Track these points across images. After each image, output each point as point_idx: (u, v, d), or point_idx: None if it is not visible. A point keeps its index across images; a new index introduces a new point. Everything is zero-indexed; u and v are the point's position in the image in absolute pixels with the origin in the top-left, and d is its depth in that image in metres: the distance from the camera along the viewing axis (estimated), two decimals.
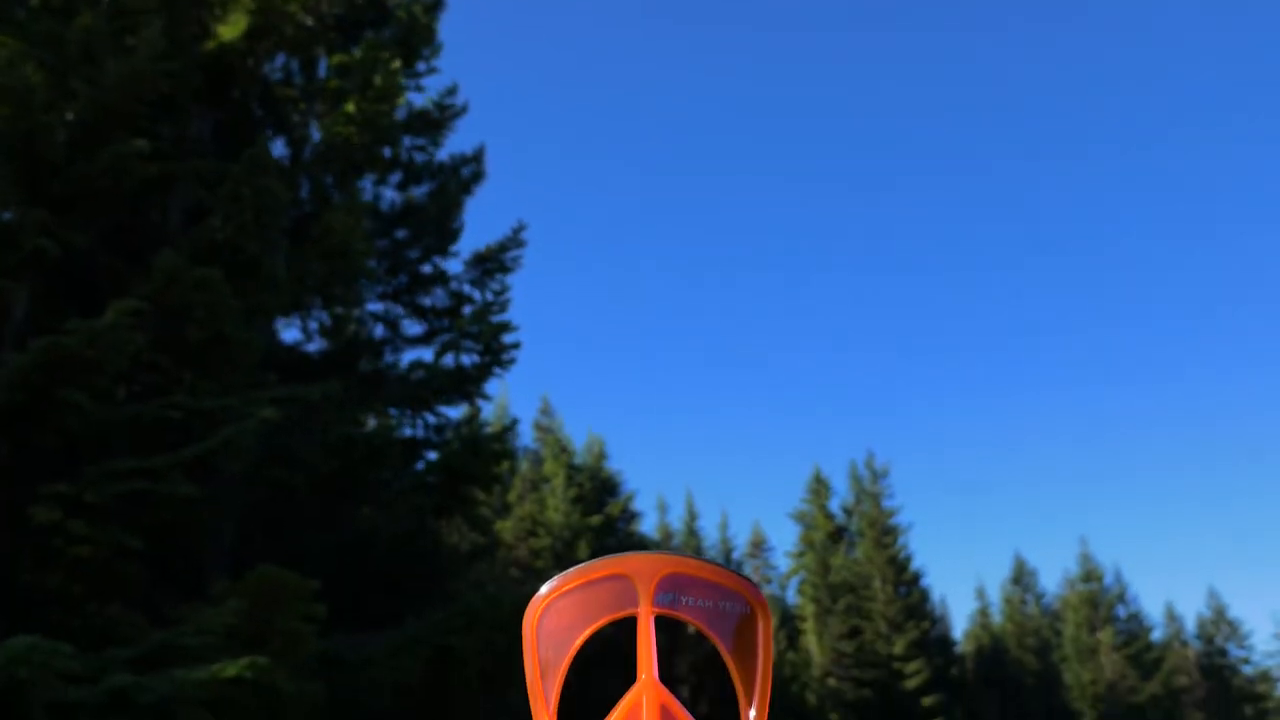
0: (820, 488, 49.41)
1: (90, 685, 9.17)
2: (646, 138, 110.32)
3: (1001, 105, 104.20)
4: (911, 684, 42.96)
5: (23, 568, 10.98)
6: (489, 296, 17.77)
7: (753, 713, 0.74)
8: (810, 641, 43.97)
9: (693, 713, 0.75)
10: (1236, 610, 77.24)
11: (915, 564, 47.34)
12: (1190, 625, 61.95)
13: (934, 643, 46.77)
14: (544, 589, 0.77)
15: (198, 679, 9.21)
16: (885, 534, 47.15)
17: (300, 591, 10.97)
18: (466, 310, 17.78)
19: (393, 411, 16.86)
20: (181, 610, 11.12)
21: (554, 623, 0.77)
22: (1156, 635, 58.42)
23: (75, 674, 9.10)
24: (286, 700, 10.98)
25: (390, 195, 18.07)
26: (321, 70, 16.70)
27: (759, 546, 50.88)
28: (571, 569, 0.77)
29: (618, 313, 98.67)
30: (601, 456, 40.36)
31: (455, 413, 17.46)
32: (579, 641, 0.77)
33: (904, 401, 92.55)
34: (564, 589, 0.77)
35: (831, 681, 42.32)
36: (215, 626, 10.06)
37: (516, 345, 17.05)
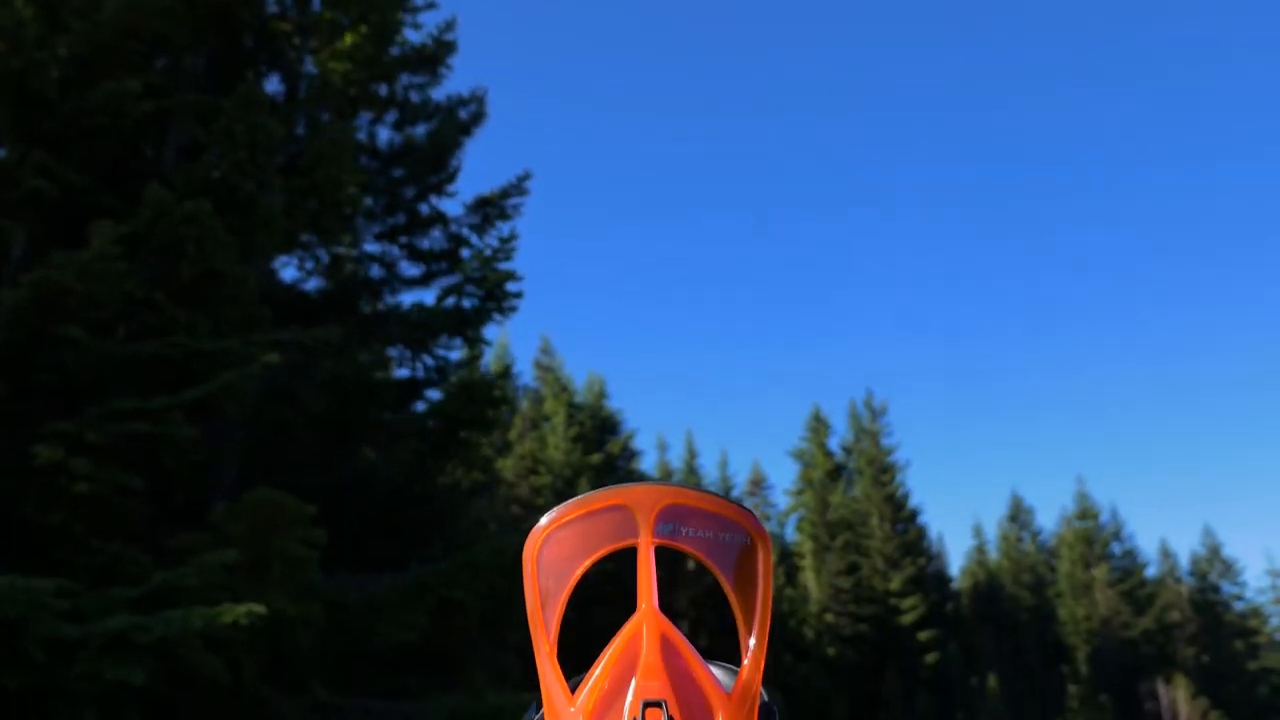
0: (819, 426, 49.60)
1: (89, 624, 9.24)
2: (650, 78, 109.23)
3: (997, 60, 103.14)
4: (908, 619, 43.50)
5: (25, 506, 11.03)
6: (494, 244, 17.58)
7: (752, 641, 0.74)
8: (808, 578, 44.43)
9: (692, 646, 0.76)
10: (1230, 548, 78.16)
11: (913, 501, 47.77)
12: (1184, 562, 62.65)
13: (930, 579, 47.28)
14: (544, 520, 0.78)
15: (195, 624, 9.28)
16: (883, 472, 47.44)
17: (298, 515, 11.00)
18: (465, 254, 17.64)
19: (392, 352, 16.83)
20: (181, 538, 11.18)
21: (554, 553, 0.77)
22: (1150, 572, 59.09)
23: (67, 612, 9.16)
24: (287, 630, 11.10)
25: (387, 134, 17.87)
26: (315, 3, 16.40)
27: (758, 484, 51.21)
28: (571, 500, 0.77)
29: (618, 252, 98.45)
30: (602, 395, 40.49)
31: (455, 355, 17.44)
32: (579, 571, 0.78)
33: (903, 341, 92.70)
34: (564, 519, 0.77)
35: (829, 617, 42.84)
36: (216, 568, 10.12)
37: (519, 295, 16.94)
